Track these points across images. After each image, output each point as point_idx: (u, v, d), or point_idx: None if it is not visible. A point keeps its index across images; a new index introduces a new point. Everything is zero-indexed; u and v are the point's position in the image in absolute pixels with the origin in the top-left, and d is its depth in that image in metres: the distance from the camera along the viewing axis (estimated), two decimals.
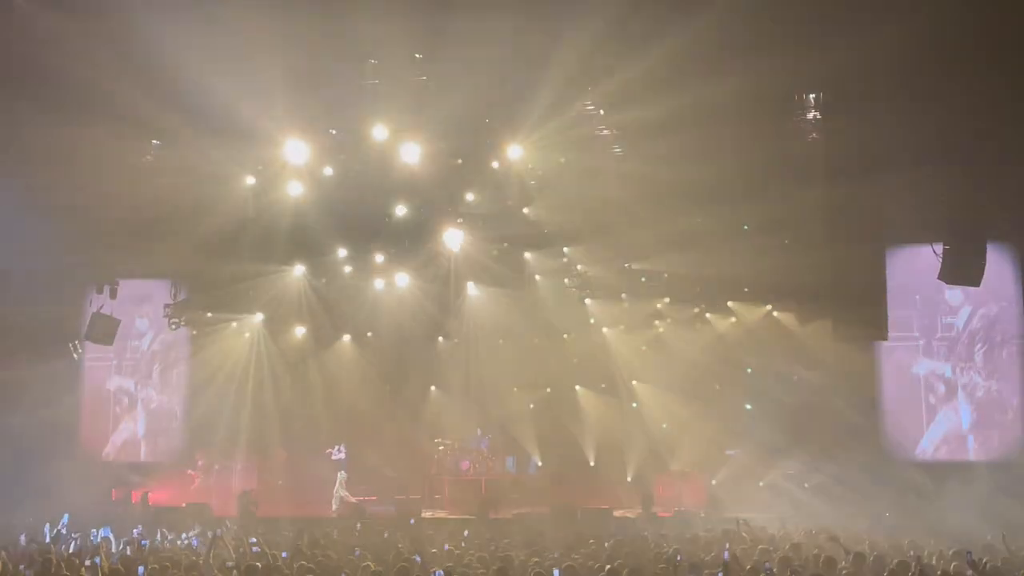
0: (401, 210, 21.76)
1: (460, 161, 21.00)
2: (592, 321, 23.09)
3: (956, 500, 17.69)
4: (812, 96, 19.17)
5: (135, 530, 15.65)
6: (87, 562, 11.82)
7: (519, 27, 16.65)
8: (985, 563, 11.41)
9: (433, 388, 23.24)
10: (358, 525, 17.28)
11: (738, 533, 14.99)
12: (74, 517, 16.00)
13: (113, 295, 21.63)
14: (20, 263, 19.44)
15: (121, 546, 14.34)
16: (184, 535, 15.58)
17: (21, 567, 12.40)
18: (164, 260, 21.47)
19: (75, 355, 22.00)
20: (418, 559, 11.73)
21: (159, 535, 15.62)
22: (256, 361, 22.09)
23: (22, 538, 15.23)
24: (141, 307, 22.70)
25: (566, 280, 22.65)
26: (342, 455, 21.40)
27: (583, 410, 23.11)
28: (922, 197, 17.71)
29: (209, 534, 15.34)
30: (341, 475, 21.28)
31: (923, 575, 10.71)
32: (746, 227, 20.49)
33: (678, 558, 11.68)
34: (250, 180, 20.35)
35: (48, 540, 14.34)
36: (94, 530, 15.32)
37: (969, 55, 16.06)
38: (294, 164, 20.60)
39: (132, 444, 23.04)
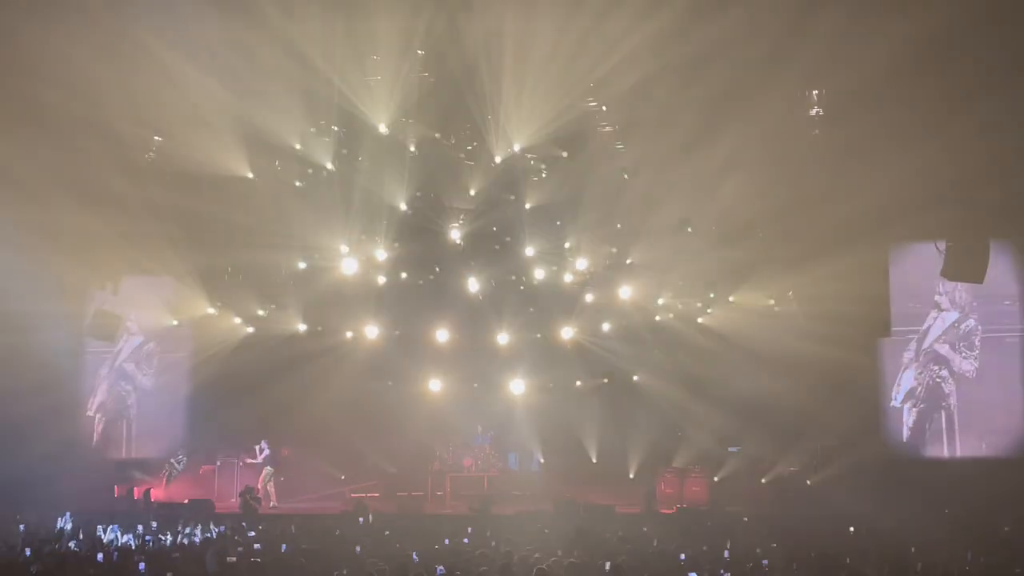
0: (404, 204, 21.75)
1: (462, 155, 21.02)
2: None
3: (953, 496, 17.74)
4: (816, 92, 19.17)
5: (140, 526, 15.68)
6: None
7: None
8: (980, 560, 11.42)
9: (435, 383, 23.17)
10: (360, 520, 17.31)
11: (740, 530, 15.01)
12: (77, 513, 16.02)
13: (115, 291, 21.65)
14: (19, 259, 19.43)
15: (125, 542, 14.39)
16: (187, 531, 15.61)
17: (26, 552, 12.49)
18: (166, 256, 21.44)
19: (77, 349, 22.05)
20: (415, 557, 11.74)
21: (162, 531, 15.65)
22: (257, 356, 22.01)
23: (21, 528, 15.31)
24: (143, 303, 22.64)
25: (567, 276, 22.61)
26: (266, 452, 21.35)
27: (585, 405, 23.02)
28: (926, 193, 17.67)
29: (212, 532, 15.40)
30: (268, 470, 21.22)
31: (925, 573, 10.71)
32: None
33: (681, 556, 11.68)
34: (249, 175, 20.35)
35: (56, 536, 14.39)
36: (100, 527, 15.37)
37: (972, 49, 16.04)
38: (295, 159, 20.63)
39: (134, 440, 23.01)
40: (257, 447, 21.41)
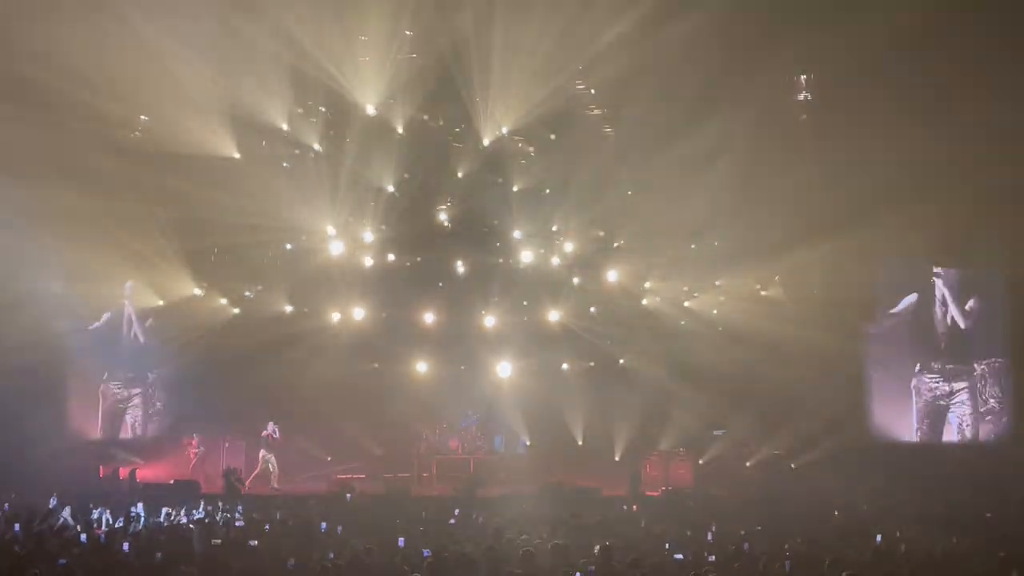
0: (391, 186, 21.69)
1: (450, 137, 20.95)
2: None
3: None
4: (804, 77, 19.18)
5: (133, 509, 15.65)
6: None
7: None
8: (963, 543, 11.53)
9: (422, 366, 23.15)
10: (348, 496, 17.35)
11: (724, 513, 15.10)
12: (62, 494, 15.97)
13: (100, 272, 21.46)
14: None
15: (112, 523, 14.38)
16: (172, 512, 15.60)
17: (15, 527, 12.48)
18: (152, 236, 21.30)
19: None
20: (402, 542, 11.76)
21: (147, 512, 15.63)
22: (244, 338, 21.93)
23: (6, 507, 15.26)
24: (128, 283, 22.51)
25: (555, 259, 22.60)
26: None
27: (571, 388, 23.05)
28: (914, 179, 17.74)
29: (197, 513, 15.40)
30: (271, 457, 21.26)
31: (908, 556, 10.81)
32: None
33: (667, 546, 11.73)
34: (236, 155, 20.23)
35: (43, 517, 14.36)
36: (92, 506, 15.34)
37: (960, 38, 16.10)
38: (282, 140, 20.51)
39: (119, 421, 22.89)
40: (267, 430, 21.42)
